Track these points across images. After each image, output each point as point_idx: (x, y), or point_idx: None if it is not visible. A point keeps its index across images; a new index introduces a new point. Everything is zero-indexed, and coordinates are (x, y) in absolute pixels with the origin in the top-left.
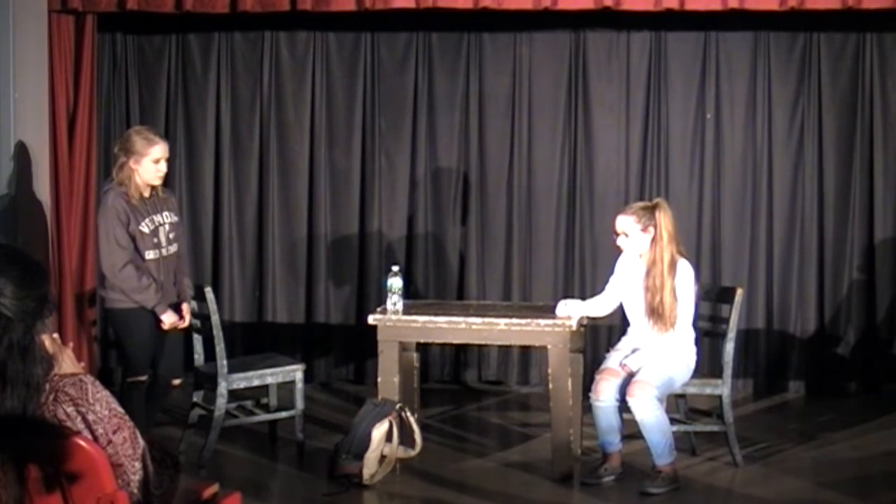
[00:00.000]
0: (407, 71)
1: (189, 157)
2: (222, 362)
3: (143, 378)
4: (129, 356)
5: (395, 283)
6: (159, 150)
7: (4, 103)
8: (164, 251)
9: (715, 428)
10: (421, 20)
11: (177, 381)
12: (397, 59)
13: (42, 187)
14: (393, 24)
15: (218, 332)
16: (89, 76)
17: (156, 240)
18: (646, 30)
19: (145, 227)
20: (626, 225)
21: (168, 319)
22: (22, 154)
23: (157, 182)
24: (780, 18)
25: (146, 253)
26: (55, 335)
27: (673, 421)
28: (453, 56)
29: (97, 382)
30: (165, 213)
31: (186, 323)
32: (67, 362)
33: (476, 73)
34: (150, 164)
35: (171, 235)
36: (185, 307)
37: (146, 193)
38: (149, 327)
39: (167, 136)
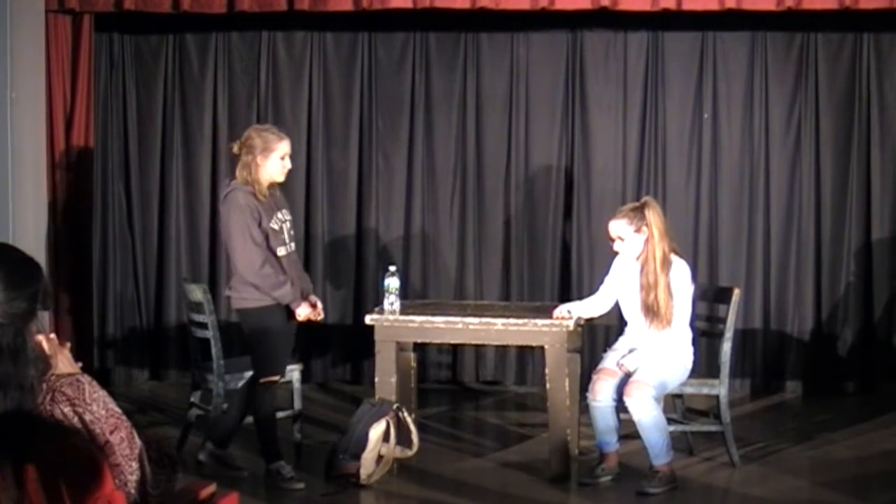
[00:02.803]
0: (404, 71)
1: (186, 157)
2: (219, 362)
3: (277, 378)
4: (264, 355)
5: (393, 282)
6: (286, 145)
7: (1, 103)
8: (289, 248)
9: (712, 428)
10: (418, 20)
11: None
12: (394, 59)
13: (39, 187)
14: (390, 24)
15: (214, 332)
16: (86, 76)
17: (283, 237)
18: (643, 30)
19: (275, 225)
20: (620, 229)
21: (303, 312)
22: (19, 153)
23: (282, 178)
24: (778, 18)
25: (278, 249)
26: (52, 335)
27: (670, 421)
28: (450, 56)
29: (94, 382)
30: (284, 211)
31: (321, 315)
32: (64, 362)
33: (473, 72)
34: (276, 160)
35: (291, 233)
36: (315, 299)
37: (267, 191)
38: (283, 323)
39: (163, 136)
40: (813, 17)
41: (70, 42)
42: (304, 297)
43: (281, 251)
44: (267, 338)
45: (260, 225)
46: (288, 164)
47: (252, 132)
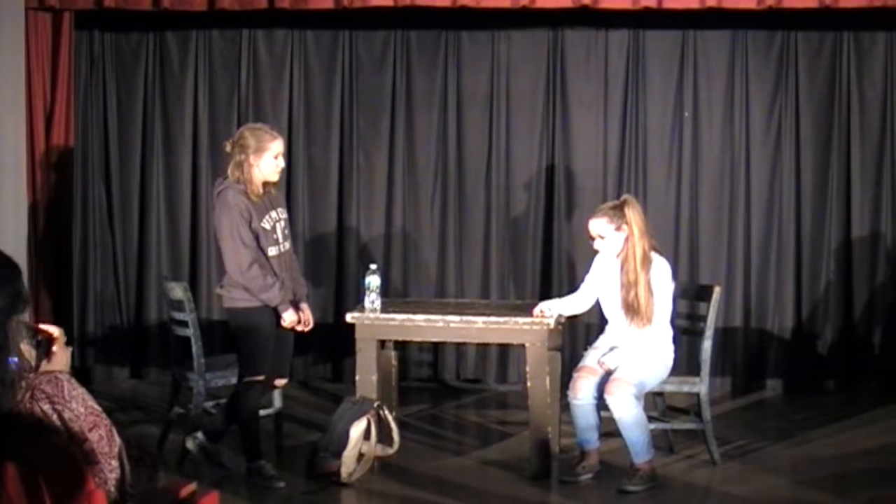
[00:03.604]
0: (385, 69)
1: (166, 155)
2: (199, 361)
3: (262, 378)
4: (249, 355)
5: (373, 281)
6: (279, 144)
7: None
8: (281, 247)
9: (693, 426)
10: (399, 18)
11: (281, 382)
12: (375, 58)
13: (19, 186)
14: (371, 23)
15: (195, 331)
16: (66, 74)
17: (275, 236)
18: (624, 28)
19: (266, 224)
20: (600, 227)
21: (289, 318)
22: None
23: (276, 178)
24: (758, 17)
25: (269, 250)
26: (60, 330)
27: (651, 419)
28: (431, 54)
29: (73, 380)
30: (280, 210)
31: (310, 325)
32: (62, 360)
33: (454, 71)
34: (270, 160)
35: (285, 232)
36: (304, 307)
37: (261, 190)
38: (270, 325)
39: (144, 133)
40: (793, 16)
41: (50, 40)
42: (296, 303)
43: (272, 251)
44: (254, 338)
45: (251, 225)
46: (281, 164)
47: (245, 131)
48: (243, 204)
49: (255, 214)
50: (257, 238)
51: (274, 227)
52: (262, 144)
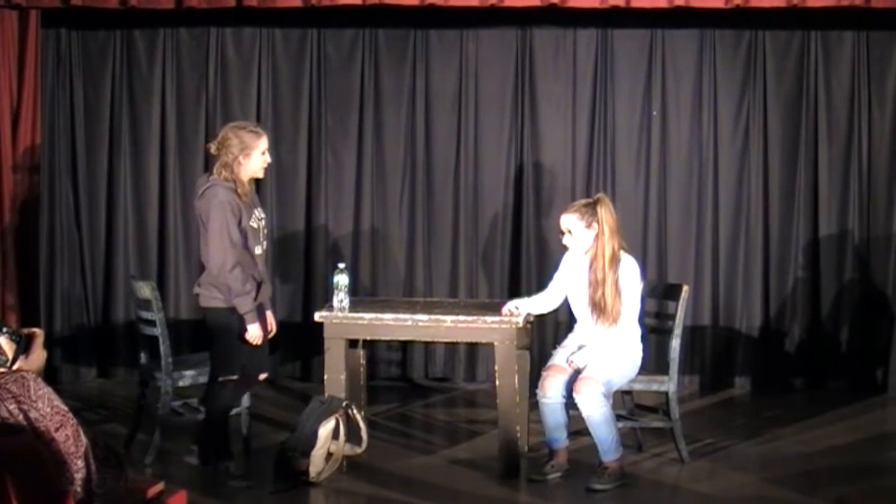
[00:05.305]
0: (353, 67)
1: (134, 153)
2: (167, 360)
3: (235, 377)
4: (223, 355)
5: (342, 279)
6: (265, 141)
7: None
8: (264, 246)
9: (661, 424)
10: (367, 16)
11: (263, 375)
12: (344, 56)
13: None
14: (339, 21)
15: (163, 329)
16: (33, 72)
17: (260, 235)
18: (592, 27)
19: (254, 223)
20: (570, 223)
21: (253, 334)
22: None
23: (262, 175)
24: (726, 16)
25: (255, 248)
26: (40, 330)
27: (619, 417)
28: (400, 53)
29: (39, 379)
30: (260, 209)
31: (274, 331)
32: (37, 360)
33: (423, 69)
34: (258, 157)
35: (265, 231)
36: (269, 313)
37: (247, 188)
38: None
39: (111, 132)
40: (761, 16)
41: (17, 37)
42: (262, 310)
43: (258, 250)
44: (230, 339)
45: (240, 224)
46: (268, 159)
47: (229, 132)
48: (234, 202)
49: (244, 213)
50: (245, 237)
51: (259, 226)
52: (249, 143)
